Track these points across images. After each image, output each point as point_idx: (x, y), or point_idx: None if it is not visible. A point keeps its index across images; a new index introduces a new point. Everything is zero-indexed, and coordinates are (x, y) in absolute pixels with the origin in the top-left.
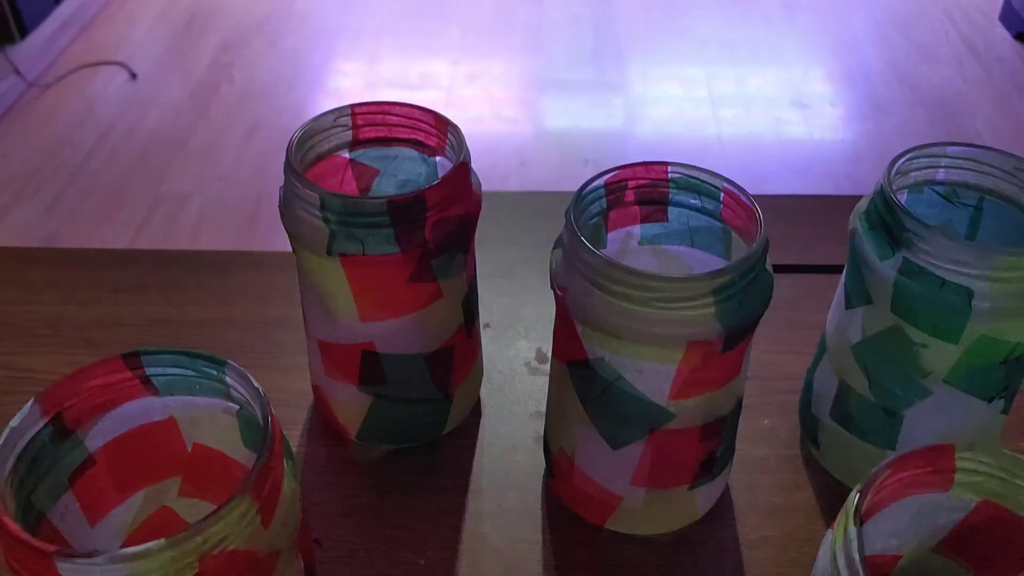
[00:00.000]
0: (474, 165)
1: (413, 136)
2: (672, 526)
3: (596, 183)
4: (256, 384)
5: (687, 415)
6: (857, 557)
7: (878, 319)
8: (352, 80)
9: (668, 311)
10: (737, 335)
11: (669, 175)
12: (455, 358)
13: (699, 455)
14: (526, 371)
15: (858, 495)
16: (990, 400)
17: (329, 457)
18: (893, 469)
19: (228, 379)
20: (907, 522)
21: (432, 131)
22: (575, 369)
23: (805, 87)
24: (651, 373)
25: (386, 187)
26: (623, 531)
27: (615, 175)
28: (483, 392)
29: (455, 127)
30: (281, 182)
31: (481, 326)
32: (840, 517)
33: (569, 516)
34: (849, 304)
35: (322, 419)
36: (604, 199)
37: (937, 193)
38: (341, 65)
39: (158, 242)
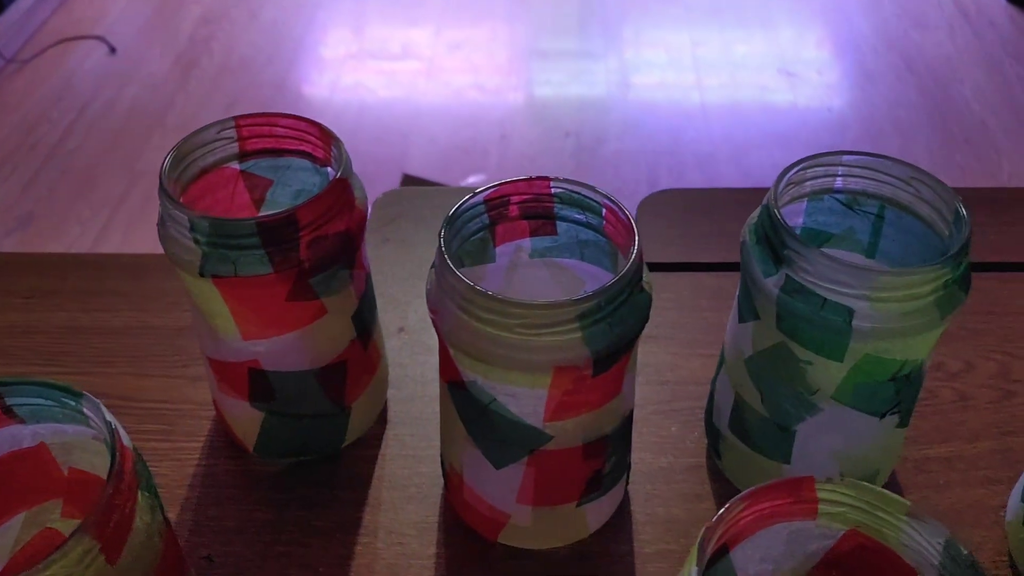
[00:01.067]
0: (454, 138)
1: (301, 148)
2: (564, 541)
3: (472, 201)
4: (109, 418)
5: (566, 436)
6: None
7: (766, 335)
8: (333, 51)
9: (533, 337)
10: (608, 358)
11: (552, 190)
12: (349, 373)
13: (584, 473)
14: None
15: (704, 533)
16: (882, 416)
17: (228, 471)
18: (749, 502)
19: (85, 410)
20: (779, 548)
21: (319, 143)
22: (454, 390)
23: (792, 54)
24: (523, 396)
25: (280, 197)
26: (516, 546)
27: (494, 191)
28: (391, 400)
29: (338, 141)
30: None
31: (397, 331)
32: (691, 551)
33: (465, 530)
34: (741, 318)
35: (223, 432)
36: (485, 215)
37: (838, 201)
38: (322, 37)
39: (135, 221)
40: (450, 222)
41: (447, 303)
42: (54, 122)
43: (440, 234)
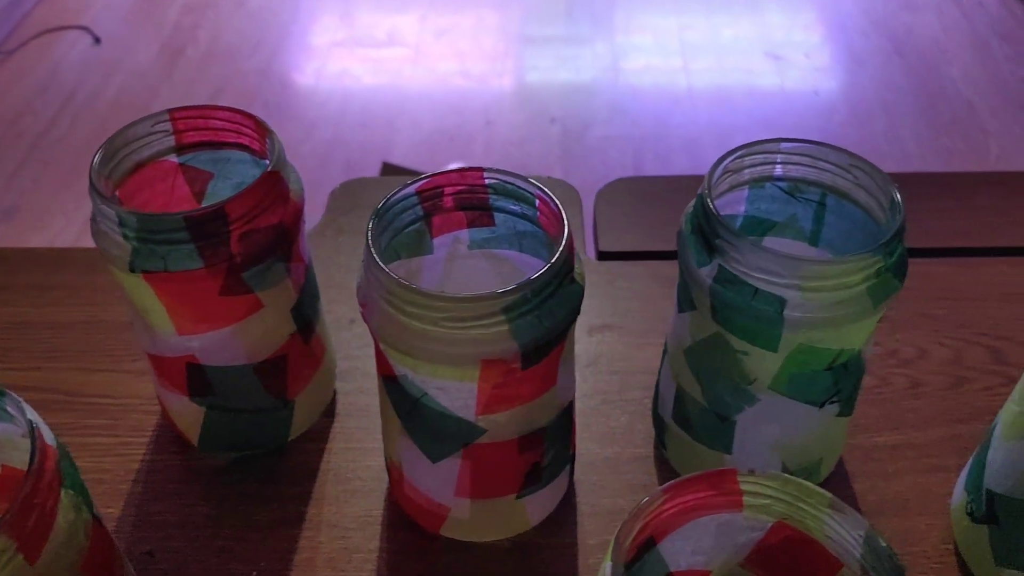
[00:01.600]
0: (440, 125)
1: (239, 140)
2: (506, 533)
3: (404, 193)
4: (30, 415)
5: (499, 429)
6: None
7: (703, 325)
8: (319, 38)
9: (458, 331)
10: (537, 351)
11: (485, 181)
12: (290, 367)
13: (522, 466)
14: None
15: (622, 526)
16: (821, 405)
17: (173, 466)
18: (669, 495)
19: (9, 408)
20: (709, 540)
21: (255, 136)
22: (388, 384)
23: (779, 37)
24: (453, 390)
25: (221, 190)
26: (458, 538)
27: (427, 182)
28: (341, 392)
29: (272, 133)
30: None
31: (348, 322)
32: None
33: (408, 524)
34: (680, 308)
35: (169, 427)
36: (419, 206)
37: (780, 188)
38: (308, 24)
39: None
40: (379, 215)
41: (374, 297)
42: (38, 113)
43: (368, 227)
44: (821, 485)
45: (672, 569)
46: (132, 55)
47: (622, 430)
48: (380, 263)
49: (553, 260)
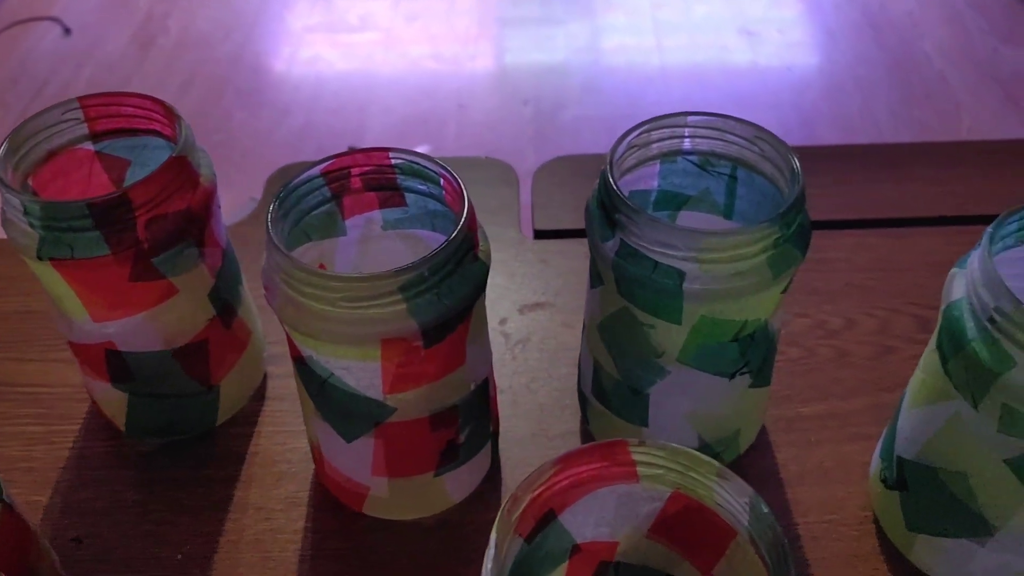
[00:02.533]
0: (412, 109)
1: (152, 127)
2: (429, 511)
3: (308, 175)
4: None
5: (409, 408)
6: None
7: (611, 300)
8: (290, 24)
9: (356, 310)
10: (439, 329)
11: (392, 161)
12: (211, 351)
13: (436, 444)
14: None
15: (510, 499)
16: (731, 376)
17: (101, 452)
18: (560, 467)
19: None
20: (611, 511)
21: (165, 121)
22: (298, 365)
23: (753, 13)
24: (357, 370)
25: (140, 177)
26: (381, 516)
27: (332, 164)
28: (271, 376)
29: (180, 119)
30: (219, 134)
31: None
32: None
33: (333, 504)
34: (592, 284)
35: (99, 414)
36: (326, 188)
37: (691, 162)
38: (279, 10)
39: None
40: (281, 198)
41: (275, 280)
42: (9, 106)
43: (269, 209)
44: (742, 456)
45: (578, 540)
46: (103, 45)
47: (550, 407)
48: (279, 245)
49: (450, 238)
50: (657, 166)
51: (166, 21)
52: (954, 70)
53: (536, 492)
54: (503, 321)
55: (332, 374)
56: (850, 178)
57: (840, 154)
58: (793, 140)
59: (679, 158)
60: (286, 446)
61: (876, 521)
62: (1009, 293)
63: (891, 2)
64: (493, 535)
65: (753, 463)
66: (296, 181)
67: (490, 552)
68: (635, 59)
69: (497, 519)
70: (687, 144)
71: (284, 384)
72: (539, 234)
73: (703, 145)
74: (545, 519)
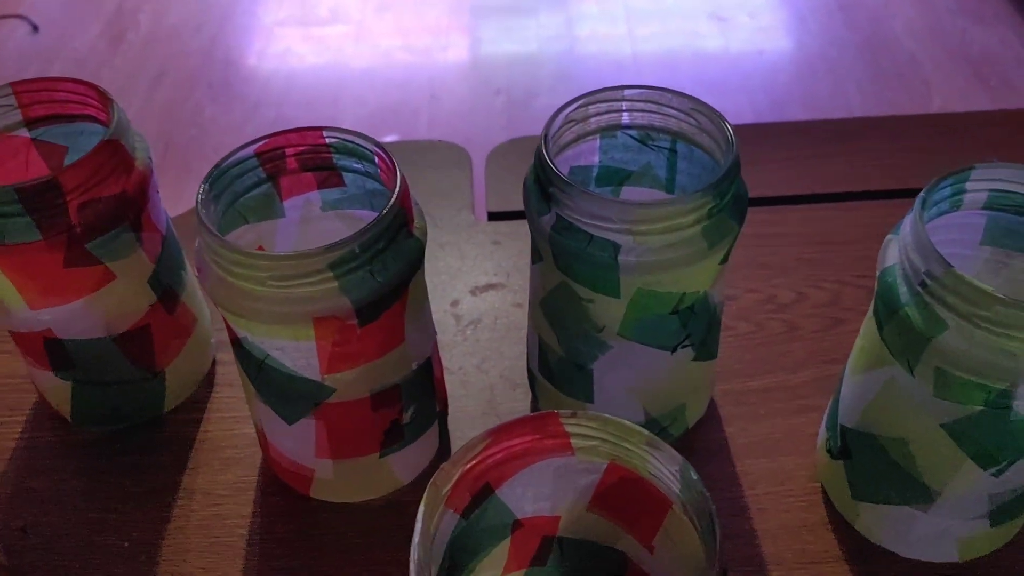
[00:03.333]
0: (384, 101)
1: (87, 112)
2: (377, 492)
3: (240, 155)
4: None
5: (349, 388)
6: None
7: (550, 276)
8: (260, 19)
9: (286, 289)
10: (373, 307)
11: (326, 140)
12: (155, 337)
13: (379, 424)
14: None
15: (439, 473)
16: (673, 350)
17: (49, 442)
18: (491, 440)
19: None
20: (549, 485)
21: (99, 106)
22: (236, 347)
23: None
24: (292, 350)
25: None
26: (328, 499)
27: (265, 144)
28: (222, 362)
29: (113, 103)
30: (190, 129)
31: None
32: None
33: (282, 488)
34: (533, 260)
35: (46, 403)
36: (260, 169)
37: (632, 137)
38: (250, 4)
39: None
40: (212, 180)
41: (206, 259)
42: None
43: (199, 191)
44: (691, 430)
45: (519, 516)
46: (71, 42)
47: (500, 386)
48: (207, 225)
49: (381, 214)
50: (597, 141)
51: (136, 16)
52: (924, 50)
53: (468, 465)
54: (455, 303)
55: (268, 355)
56: (800, 153)
57: (790, 131)
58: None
59: (619, 133)
60: (234, 432)
61: (824, 491)
62: (939, 257)
63: None
64: (421, 509)
65: (702, 437)
66: (228, 162)
67: (418, 526)
68: (607, 47)
69: (425, 492)
70: (626, 118)
71: (233, 370)
72: (492, 216)
73: (641, 119)
74: (482, 494)
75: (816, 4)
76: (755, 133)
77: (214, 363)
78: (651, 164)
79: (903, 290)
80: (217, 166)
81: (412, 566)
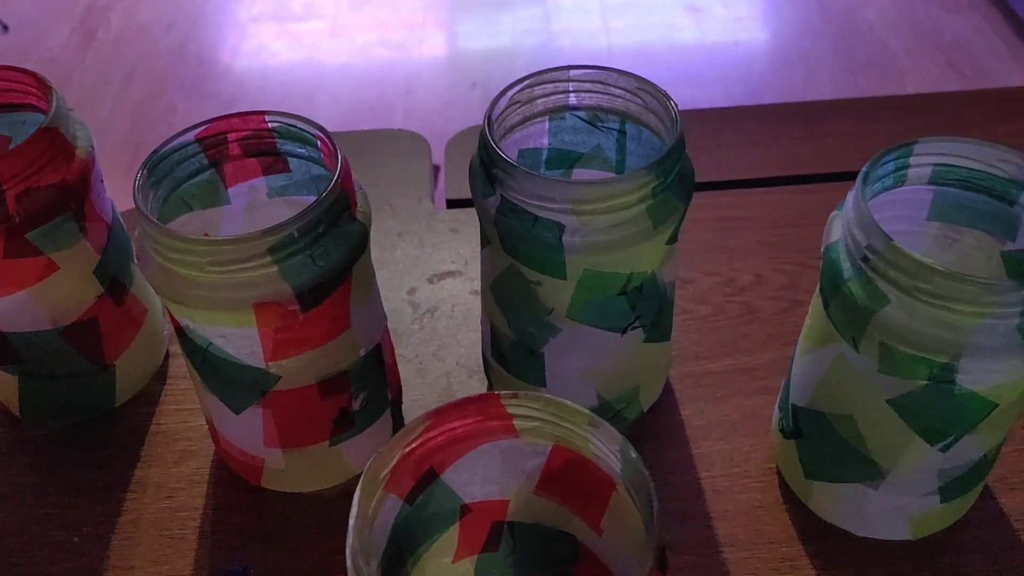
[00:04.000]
0: (359, 96)
1: (28, 101)
2: (330, 481)
3: (180, 141)
4: None
5: (294, 375)
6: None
7: (498, 259)
8: (234, 15)
9: (225, 275)
10: (315, 292)
11: (268, 124)
12: (103, 329)
13: (329, 412)
14: None
15: (376, 458)
16: (623, 331)
17: (1, 438)
18: (433, 421)
19: None
20: (497, 468)
21: (40, 94)
22: (180, 336)
23: None
24: (235, 337)
25: None
26: (281, 489)
27: (206, 129)
28: (176, 355)
29: (52, 90)
30: (162, 127)
31: None
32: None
33: (235, 479)
34: (482, 244)
35: None
36: (202, 155)
37: (580, 118)
38: (222, 1)
39: None
40: (150, 166)
41: (145, 246)
42: None
43: (136, 177)
44: (647, 413)
45: (467, 501)
46: (42, 41)
47: (456, 373)
48: (144, 212)
49: (320, 198)
50: (546, 123)
51: (107, 14)
52: (897, 39)
53: (407, 449)
54: (412, 291)
55: (211, 343)
56: (764, 136)
57: (754, 114)
58: None
59: (567, 114)
60: (188, 424)
61: (779, 472)
62: (880, 231)
63: None
64: (357, 493)
65: (658, 420)
66: (167, 148)
67: (354, 510)
68: (583, 41)
69: (362, 476)
70: (573, 99)
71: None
72: (451, 204)
73: (589, 100)
74: (426, 478)
75: None
76: (719, 116)
77: (167, 356)
78: (601, 146)
79: (846, 266)
80: (156, 152)
81: (348, 552)
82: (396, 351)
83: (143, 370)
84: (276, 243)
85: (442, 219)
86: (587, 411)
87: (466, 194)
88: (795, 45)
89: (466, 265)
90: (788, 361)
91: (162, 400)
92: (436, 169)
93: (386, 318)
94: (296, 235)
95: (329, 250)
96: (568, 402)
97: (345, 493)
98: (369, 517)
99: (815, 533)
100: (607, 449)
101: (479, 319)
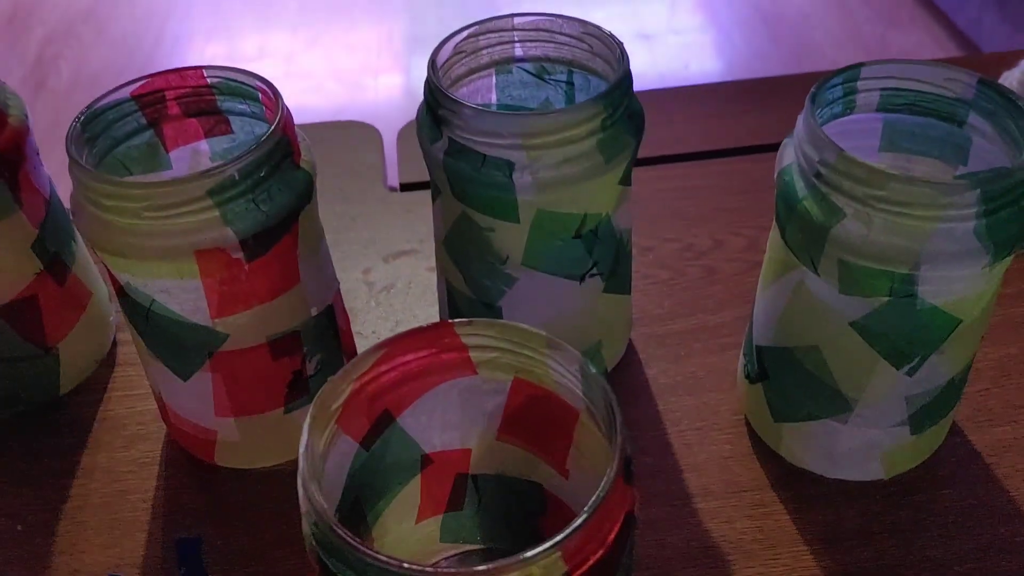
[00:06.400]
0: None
1: None
2: (286, 455)
3: (116, 97)
4: None
5: (243, 333)
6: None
7: (450, 209)
8: (183, 59)
9: (164, 220)
10: (259, 240)
11: (207, 80)
12: (43, 309)
13: (281, 375)
14: None
15: (323, 391)
16: (581, 279)
17: None
18: (385, 351)
19: None
20: (456, 412)
21: None
22: (121, 300)
23: (648, 18)
24: (178, 291)
25: None
26: (237, 467)
27: (143, 85)
28: (124, 342)
29: None
30: None
31: None
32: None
33: (187, 460)
34: (433, 199)
35: None
36: (140, 114)
37: (528, 72)
38: (173, 48)
39: None
40: (85, 120)
41: (81, 201)
42: None
43: (70, 128)
44: (611, 372)
45: (427, 451)
46: None
47: None
48: (76, 158)
49: (262, 139)
50: (492, 78)
51: (57, 62)
52: (845, 57)
53: (359, 383)
54: (367, 271)
55: (154, 300)
56: (714, 111)
57: (703, 93)
58: None
59: (513, 67)
60: (137, 409)
61: (747, 423)
62: (831, 143)
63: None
64: (306, 423)
65: (622, 379)
66: (101, 104)
67: (304, 439)
68: None
69: (311, 407)
70: (519, 50)
71: (135, 350)
72: (404, 187)
73: (535, 50)
74: (382, 421)
75: (739, 20)
76: (666, 96)
77: (115, 344)
78: (549, 100)
79: (800, 185)
80: (89, 107)
81: (299, 480)
82: (353, 328)
83: (88, 356)
84: (216, 185)
85: (396, 201)
86: (543, 333)
87: (420, 178)
88: (746, 68)
89: (421, 244)
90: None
91: (110, 387)
92: None
93: (338, 283)
94: (237, 176)
95: (272, 195)
96: (524, 325)
97: None
98: (321, 451)
99: (787, 479)
100: (566, 370)
101: (436, 293)
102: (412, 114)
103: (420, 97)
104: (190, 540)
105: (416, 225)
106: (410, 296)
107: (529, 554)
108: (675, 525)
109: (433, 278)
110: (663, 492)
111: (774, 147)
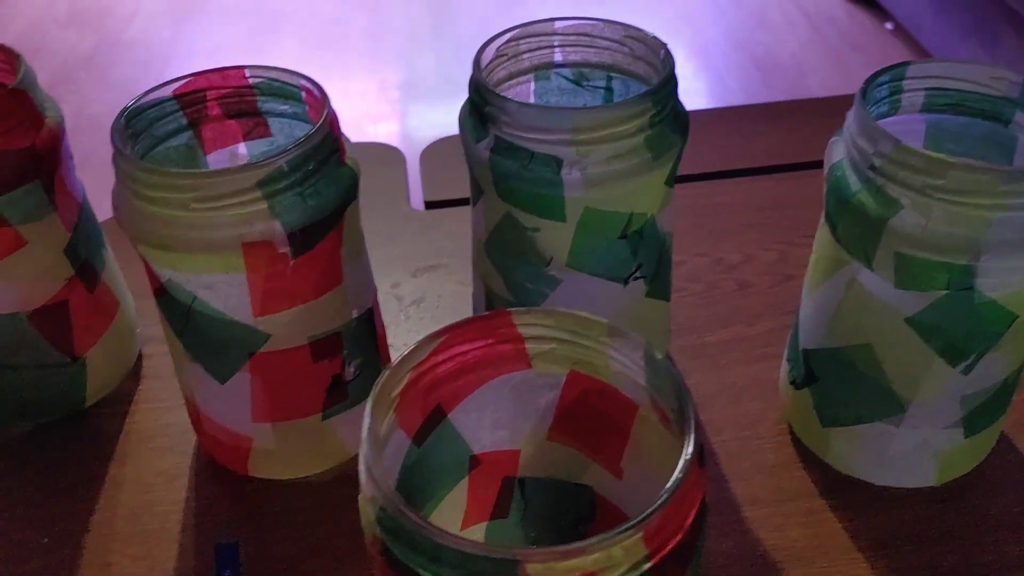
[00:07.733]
0: None
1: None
2: (322, 465)
3: (158, 96)
4: None
5: (285, 333)
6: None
7: (493, 210)
8: None
9: (212, 212)
10: (306, 234)
11: (249, 80)
12: (73, 316)
13: (320, 379)
14: None
15: (382, 380)
16: (625, 282)
17: None
18: (444, 340)
19: None
20: (507, 408)
21: (7, 67)
22: (160, 300)
23: None
24: (222, 287)
25: None
26: (269, 477)
27: (185, 84)
28: (149, 356)
29: (19, 57)
30: (109, 215)
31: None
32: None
33: (218, 471)
34: (473, 202)
35: None
36: (181, 113)
37: (567, 78)
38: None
39: None
40: (129, 116)
41: (125, 195)
42: None
43: (114, 123)
44: None
45: (476, 451)
46: None
47: None
48: (122, 150)
49: (309, 133)
50: (531, 84)
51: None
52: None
53: (417, 372)
54: (396, 285)
55: (195, 298)
56: (738, 132)
57: (723, 115)
58: None
59: (552, 73)
60: (164, 420)
61: (791, 431)
62: (886, 134)
63: (774, 46)
64: (368, 409)
65: None
66: (144, 102)
67: (365, 424)
68: None
69: (371, 394)
70: (558, 56)
71: (161, 363)
72: (429, 205)
73: (575, 55)
74: (434, 417)
75: (734, 65)
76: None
77: (140, 357)
78: (588, 106)
79: (853, 179)
80: (133, 104)
81: (362, 468)
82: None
83: (115, 368)
84: (265, 176)
85: (421, 218)
86: (605, 320)
87: (445, 196)
88: (742, 114)
89: (449, 259)
90: (788, 329)
91: (136, 399)
92: None
93: (375, 286)
94: (286, 168)
95: (320, 190)
96: (584, 313)
97: (340, 478)
98: (381, 437)
99: (835, 487)
100: (628, 359)
101: (466, 306)
102: (415, 158)
103: (418, 142)
104: (228, 545)
105: (443, 241)
106: (440, 309)
107: (610, 535)
108: (725, 532)
109: (463, 291)
110: (711, 499)
111: (796, 167)
